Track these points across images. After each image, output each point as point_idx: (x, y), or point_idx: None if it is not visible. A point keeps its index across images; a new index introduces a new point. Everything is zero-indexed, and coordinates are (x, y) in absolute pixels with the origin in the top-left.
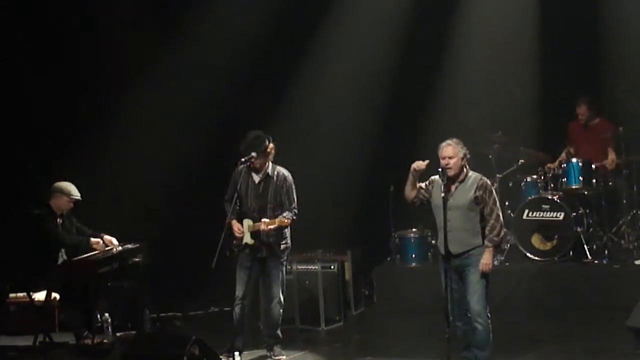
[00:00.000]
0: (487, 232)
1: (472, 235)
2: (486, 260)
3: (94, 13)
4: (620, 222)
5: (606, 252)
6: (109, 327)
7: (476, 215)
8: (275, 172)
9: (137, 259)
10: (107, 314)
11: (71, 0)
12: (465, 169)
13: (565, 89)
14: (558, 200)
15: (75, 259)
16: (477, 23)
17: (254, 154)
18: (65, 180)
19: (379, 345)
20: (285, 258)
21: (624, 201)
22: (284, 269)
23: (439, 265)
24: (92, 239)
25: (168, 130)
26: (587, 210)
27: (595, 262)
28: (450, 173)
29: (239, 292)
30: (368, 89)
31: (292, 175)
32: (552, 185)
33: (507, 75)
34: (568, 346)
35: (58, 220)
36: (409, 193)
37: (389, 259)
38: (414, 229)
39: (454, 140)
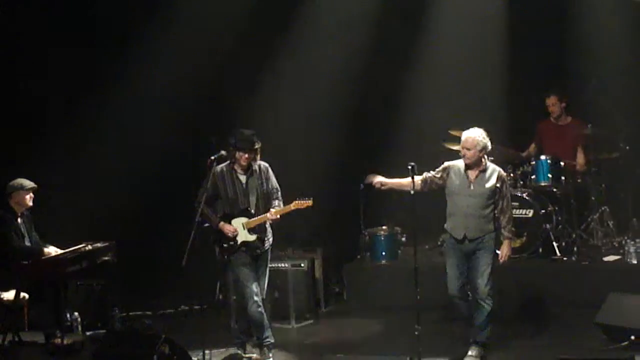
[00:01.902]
0: (504, 223)
1: (487, 221)
2: (507, 251)
3: (60, 10)
4: (589, 219)
5: (575, 249)
6: (79, 326)
7: (492, 203)
8: (257, 166)
9: (106, 258)
10: (76, 313)
11: None
12: (484, 160)
13: (534, 87)
14: (527, 198)
15: (44, 258)
16: (445, 21)
17: (223, 152)
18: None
19: (349, 343)
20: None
21: (593, 198)
22: None
23: (447, 248)
24: (45, 250)
25: (138, 127)
26: (556, 208)
27: (564, 259)
28: (466, 162)
29: (249, 289)
30: (338, 87)
31: None
32: (521, 182)
33: (476, 72)
34: (537, 342)
35: (18, 220)
36: (408, 189)
37: (359, 256)
38: (384, 227)
39: (477, 131)
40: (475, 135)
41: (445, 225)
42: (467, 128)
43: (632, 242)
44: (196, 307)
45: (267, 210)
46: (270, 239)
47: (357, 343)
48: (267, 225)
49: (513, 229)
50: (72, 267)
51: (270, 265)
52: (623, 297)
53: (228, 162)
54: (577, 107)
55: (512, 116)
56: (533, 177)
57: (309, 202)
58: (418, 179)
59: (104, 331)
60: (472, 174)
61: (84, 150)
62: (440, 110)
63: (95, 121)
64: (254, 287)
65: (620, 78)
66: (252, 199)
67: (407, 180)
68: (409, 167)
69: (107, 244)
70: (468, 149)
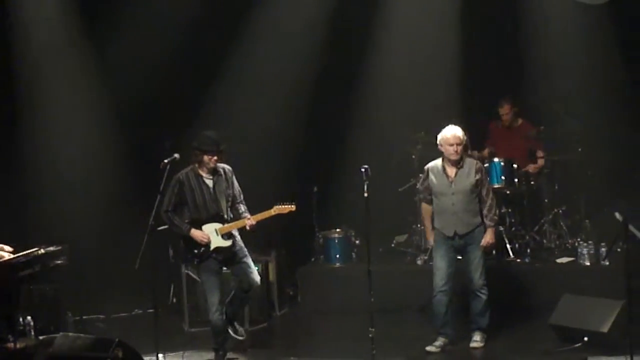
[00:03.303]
0: (486, 211)
1: (474, 215)
2: (490, 239)
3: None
4: (542, 221)
5: (528, 250)
6: (32, 330)
7: (476, 196)
8: (221, 169)
9: (59, 262)
10: (29, 317)
11: None
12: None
13: (488, 90)
14: None
15: None
16: (399, 24)
17: (176, 155)
18: None
19: (303, 346)
20: None
21: (546, 200)
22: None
23: (435, 243)
24: None
25: (90, 128)
26: (509, 210)
27: (518, 260)
28: (455, 158)
29: (213, 298)
30: (291, 89)
31: None
32: None
33: (430, 76)
34: (491, 344)
35: None
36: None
37: (312, 259)
38: (337, 229)
39: (456, 127)
40: (459, 131)
41: (435, 223)
42: (423, 129)
43: (585, 244)
44: (150, 310)
45: (234, 215)
46: (238, 235)
47: (311, 346)
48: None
49: (496, 217)
50: (25, 271)
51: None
52: (576, 299)
53: (190, 167)
54: (528, 110)
55: (466, 118)
56: (487, 177)
57: (292, 207)
58: (425, 205)
59: (57, 335)
60: (450, 171)
61: (36, 152)
62: (394, 112)
63: (47, 120)
64: (216, 297)
65: (572, 80)
66: (223, 204)
67: (428, 213)
68: (362, 170)
69: (59, 247)
70: (458, 145)
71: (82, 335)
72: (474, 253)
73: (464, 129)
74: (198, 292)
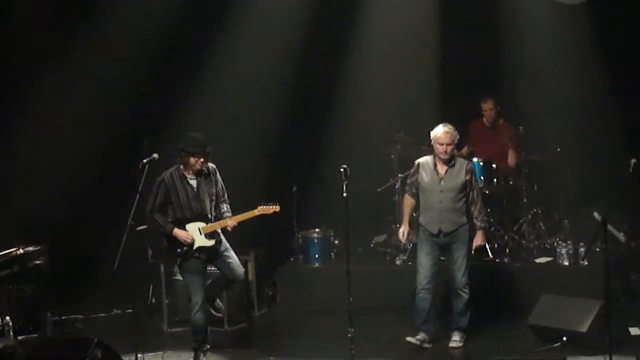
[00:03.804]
0: (476, 213)
1: (461, 214)
2: (481, 241)
3: None
4: (521, 221)
5: (507, 250)
6: (10, 331)
7: (463, 196)
8: (206, 168)
9: (38, 262)
10: (8, 317)
11: None
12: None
13: (466, 90)
14: None
15: None
16: (379, 23)
17: (155, 155)
18: None
19: (282, 346)
20: None
21: (525, 200)
22: None
23: (420, 241)
24: None
25: (69, 129)
26: (488, 209)
27: (497, 260)
28: (446, 157)
29: (196, 298)
30: (270, 89)
31: None
32: None
33: (409, 76)
34: (469, 344)
35: None
36: (413, 206)
37: (292, 259)
38: (317, 229)
39: (449, 126)
40: (451, 130)
41: (420, 220)
42: (403, 129)
43: (564, 244)
44: (129, 310)
45: (217, 214)
46: (221, 236)
47: (290, 346)
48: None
49: (485, 218)
50: (3, 271)
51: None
52: (555, 299)
53: (175, 167)
54: (506, 109)
55: (445, 117)
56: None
57: (276, 208)
58: (408, 197)
59: (36, 335)
60: (441, 169)
61: (14, 152)
62: (374, 112)
63: (26, 121)
64: (200, 297)
65: (549, 80)
66: (206, 203)
67: (409, 206)
68: (341, 170)
69: (38, 247)
70: (448, 144)
71: (61, 335)
72: (457, 252)
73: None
74: (177, 292)
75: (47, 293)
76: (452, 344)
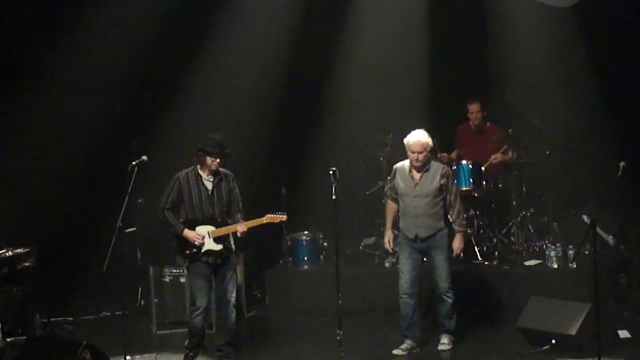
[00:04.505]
0: (454, 217)
1: (437, 219)
2: (460, 244)
3: None
4: (510, 223)
5: (496, 253)
6: None
7: (440, 201)
8: (224, 174)
9: (27, 264)
10: None
11: None
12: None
13: (456, 92)
14: None
15: None
16: (367, 25)
17: (144, 157)
18: None
19: (271, 348)
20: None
21: (514, 203)
22: None
23: (400, 246)
24: None
25: (59, 130)
26: (477, 212)
27: (486, 263)
28: (418, 165)
29: (200, 302)
30: (258, 91)
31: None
32: None
33: (398, 78)
34: (458, 347)
35: None
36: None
37: (281, 261)
38: (306, 232)
39: (421, 133)
40: (423, 138)
41: (399, 224)
42: (391, 131)
43: (553, 247)
44: (117, 312)
45: (230, 221)
46: (233, 247)
47: (279, 348)
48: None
49: (464, 222)
50: None
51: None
52: (544, 301)
53: (192, 167)
54: (495, 112)
55: (434, 120)
56: (454, 181)
57: (283, 217)
58: (390, 202)
59: (24, 337)
60: (416, 174)
61: (1, 155)
62: (363, 114)
63: (15, 123)
64: (203, 302)
65: (539, 82)
66: (218, 207)
67: (391, 212)
68: (330, 172)
69: (27, 249)
70: (420, 152)
71: (49, 337)
72: (437, 257)
73: (432, 131)
74: (166, 294)
75: (35, 295)
76: (440, 347)
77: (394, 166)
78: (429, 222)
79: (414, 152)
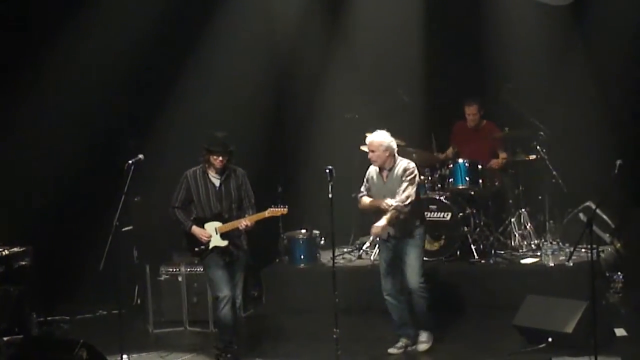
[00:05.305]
0: (398, 196)
1: (410, 218)
2: (380, 222)
3: None
4: (507, 221)
5: (493, 251)
6: None
7: None
8: (233, 170)
9: (23, 263)
10: None
11: None
12: (394, 158)
13: (452, 91)
14: (445, 201)
15: None
16: (363, 26)
17: (141, 156)
18: None
19: (267, 347)
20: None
21: (510, 201)
22: None
23: (379, 246)
24: None
25: (56, 129)
26: (474, 210)
27: (482, 261)
28: (373, 163)
29: (223, 292)
30: (254, 90)
31: (173, 178)
32: (439, 185)
33: (395, 78)
34: (455, 345)
35: None
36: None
37: (277, 260)
38: (302, 230)
39: (380, 133)
40: (378, 138)
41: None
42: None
43: (549, 245)
44: (114, 311)
45: (239, 217)
46: (245, 246)
47: (276, 347)
48: (242, 231)
49: (398, 205)
50: None
51: (188, 269)
52: (540, 300)
53: (201, 165)
54: (492, 110)
55: (429, 119)
56: (451, 180)
57: (284, 210)
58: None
59: (21, 336)
60: (385, 174)
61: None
62: (358, 112)
63: (10, 122)
64: (226, 292)
65: (535, 81)
66: (226, 204)
67: (368, 202)
68: (327, 171)
69: (24, 248)
70: (373, 151)
71: (46, 336)
72: (410, 254)
73: (427, 131)
74: (163, 293)
75: (32, 294)
76: (420, 347)
77: (368, 170)
78: (401, 221)
79: (370, 151)
